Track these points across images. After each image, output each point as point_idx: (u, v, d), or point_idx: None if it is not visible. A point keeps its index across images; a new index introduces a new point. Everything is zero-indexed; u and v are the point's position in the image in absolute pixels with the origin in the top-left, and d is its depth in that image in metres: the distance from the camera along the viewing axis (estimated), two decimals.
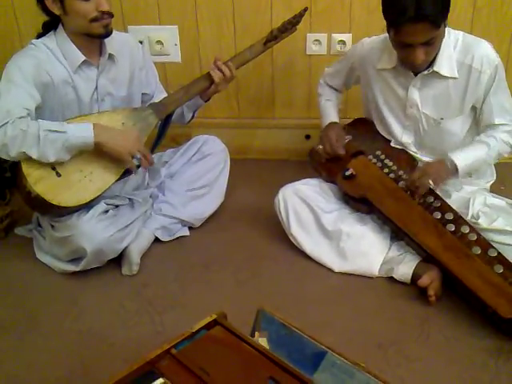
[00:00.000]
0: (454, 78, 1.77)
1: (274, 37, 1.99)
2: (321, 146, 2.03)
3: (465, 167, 1.79)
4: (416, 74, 1.80)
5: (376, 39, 1.93)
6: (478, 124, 1.87)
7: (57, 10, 1.74)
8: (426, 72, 1.78)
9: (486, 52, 1.75)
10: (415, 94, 1.84)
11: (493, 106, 1.79)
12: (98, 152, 1.78)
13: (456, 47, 1.76)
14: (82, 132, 1.72)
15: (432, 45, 1.66)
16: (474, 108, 1.84)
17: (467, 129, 1.88)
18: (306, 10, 1.98)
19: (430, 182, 1.77)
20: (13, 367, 1.55)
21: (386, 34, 1.75)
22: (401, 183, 1.85)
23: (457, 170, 1.79)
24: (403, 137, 1.94)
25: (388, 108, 1.94)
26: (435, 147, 1.92)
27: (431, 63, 1.76)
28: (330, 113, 2.13)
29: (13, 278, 1.92)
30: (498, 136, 1.81)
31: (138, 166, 1.88)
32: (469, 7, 2.27)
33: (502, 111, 1.81)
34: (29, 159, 1.70)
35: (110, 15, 1.77)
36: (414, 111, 1.87)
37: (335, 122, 2.09)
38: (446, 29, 1.73)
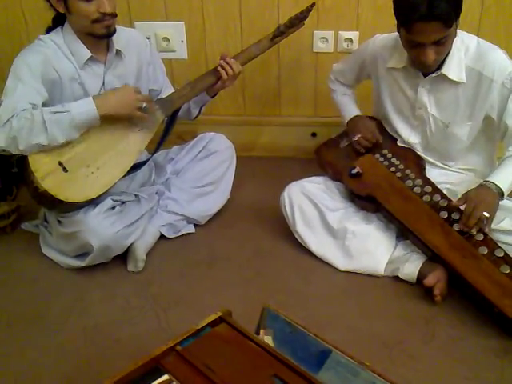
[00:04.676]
0: (462, 83, 1.74)
1: (280, 32, 1.98)
2: (356, 138, 1.98)
3: (508, 189, 1.70)
4: (425, 76, 1.79)
5: (388, 37, 1.90)
6: (501, 135, 1.79)
7: (61, 9, 1.75)
8: (434, 74, 1.76)
9: (498, 60, 1.71)
10: (424, 96, 1.82)
11: None
12: (105, 142, 1.78)
13: (468, 53, 1.73)
14: (84, 107, 1.73)
15: (443, 44, 1.63)
16: (487, 118, 1.78)
17: (474, 136, 1.85)
18: (313, 5, 1.96)
19: (485, 213, 1.62)
20: (18, 362, 1.55)
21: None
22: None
23: (502, 193, 1.68)
24: (410, 137, 1.93)
25: (397, 107, 1.93)
26: (440, 150, 1.91)
27: (440, 66, 1.74)
28: (351, 107, 2.11)
29: (19, 273, 1.93)
30: None
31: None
32: (477, 6, 2.26)
33: None
34: (36, 154, 1.71)
35: (113, 16, 1.76)
36: (422, 112, 1.86)
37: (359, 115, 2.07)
38: (460, 33, 1.71)
